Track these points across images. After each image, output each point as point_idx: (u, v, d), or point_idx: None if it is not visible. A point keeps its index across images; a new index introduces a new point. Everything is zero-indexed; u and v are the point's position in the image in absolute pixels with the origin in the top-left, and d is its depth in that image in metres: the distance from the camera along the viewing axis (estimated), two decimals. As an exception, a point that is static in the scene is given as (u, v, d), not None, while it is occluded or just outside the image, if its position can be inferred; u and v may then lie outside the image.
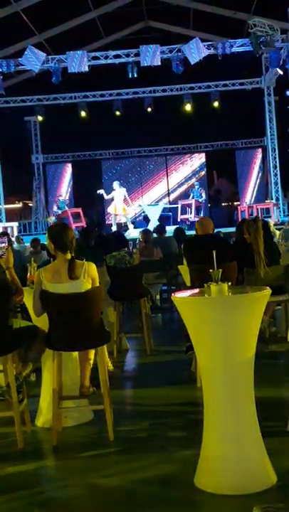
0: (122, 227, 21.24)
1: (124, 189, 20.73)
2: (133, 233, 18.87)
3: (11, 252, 5.13)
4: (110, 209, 21.13)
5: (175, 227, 15.79)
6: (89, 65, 19.30)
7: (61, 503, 4.00)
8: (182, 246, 8.02)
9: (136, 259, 8.42)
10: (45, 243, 5.97)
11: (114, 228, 20.07)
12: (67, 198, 24.88)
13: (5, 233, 11.86)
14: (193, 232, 8.01)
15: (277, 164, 23.49)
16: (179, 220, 22.02)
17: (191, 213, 21.85)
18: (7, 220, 22.82)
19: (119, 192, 20.25)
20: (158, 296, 11.62)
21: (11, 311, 5.28)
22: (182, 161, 26.91)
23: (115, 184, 20.52)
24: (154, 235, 12.19)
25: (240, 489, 3.76)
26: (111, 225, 21.60)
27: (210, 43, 19.38)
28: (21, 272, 8.10)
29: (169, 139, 26.01)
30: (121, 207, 20.26)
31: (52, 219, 22.05)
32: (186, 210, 22.37)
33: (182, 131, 24.60)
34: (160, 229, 12.88)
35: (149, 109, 22.84)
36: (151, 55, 18.93)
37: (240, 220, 13.53)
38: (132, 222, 21.79)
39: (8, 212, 23.70)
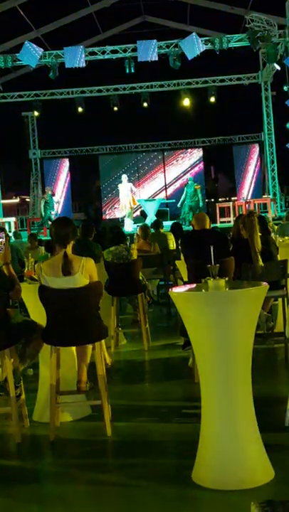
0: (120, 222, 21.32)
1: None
2: (130, 228, 18.94)
3: (8, 247, 5.13)
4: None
5: (172, 222, 15.76)
6: (86, 60, 19.28)
7: (59, 499, 4.00)
8: (180, 241, 8.01)
9: (134, 254, 8.39)
10: (43, 238, 5.96)
11: (128, 222, 20.16)
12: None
13: (2, 228, 11.83)
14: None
15: (275, 159, 23.48)
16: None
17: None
18: (4, 215, 22.81)
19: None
20: (155, 292, 11.61)
21: (9, 306, 5.27)
22: (179, 156, 26.90)
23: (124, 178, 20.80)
24: (152, 230, 12.15)
25: (238, 485, 3.76)
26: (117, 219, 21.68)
27: (207, 38, 19.35)
28: (19, 268, 8.11)
29: (166, 134, 26.00)
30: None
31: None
32: None
33: (179, 126, 24.58)
34: (157, 224, 12.85)
35: (146, 105, 22.80)
36: (149, 51, 18.91)
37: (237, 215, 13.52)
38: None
39: (5, 207, 23.68)
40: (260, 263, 6.87)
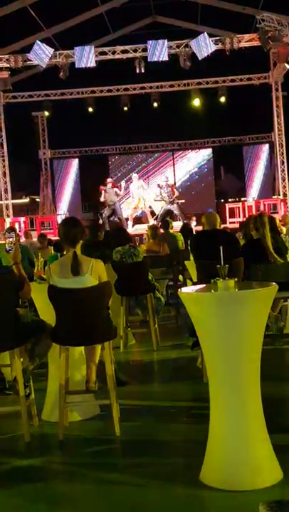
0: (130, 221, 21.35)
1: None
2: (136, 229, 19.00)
3: (18, 247, 5.14)
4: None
5: (182, 222, 15.75)
6: (96, 60, 19.31)
7: (67, 498, 4.01)
8: (189, 241, 8.01)
9: (141, 252, 8.38)
10: (52, 238, 5.97)
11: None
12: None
13: (12, 228, 11.87)
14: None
15: (285, 160, 23.41)
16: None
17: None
18: (14, 215, 22.87)
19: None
20: (164, 292, 11.61)
21: (19, 306, 5.29)
22: (189, 156, 26.88)
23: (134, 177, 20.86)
24: (161, 230, 12.16)
25: (246, 485, 3.76)
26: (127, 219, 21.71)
27: (218, 38, 19.34)
28: (29, 267, 8.12)
29: (176, 135, 26.01)
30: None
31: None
32: None
33: (189, 126, 24.59)
34: (167, 224, 12.85)
35: (156, 105, 22.80)
36: (159, 51, 18.93)
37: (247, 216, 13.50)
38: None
39: (15, 207, 23.72)
40: (280, 260, 6.88)
